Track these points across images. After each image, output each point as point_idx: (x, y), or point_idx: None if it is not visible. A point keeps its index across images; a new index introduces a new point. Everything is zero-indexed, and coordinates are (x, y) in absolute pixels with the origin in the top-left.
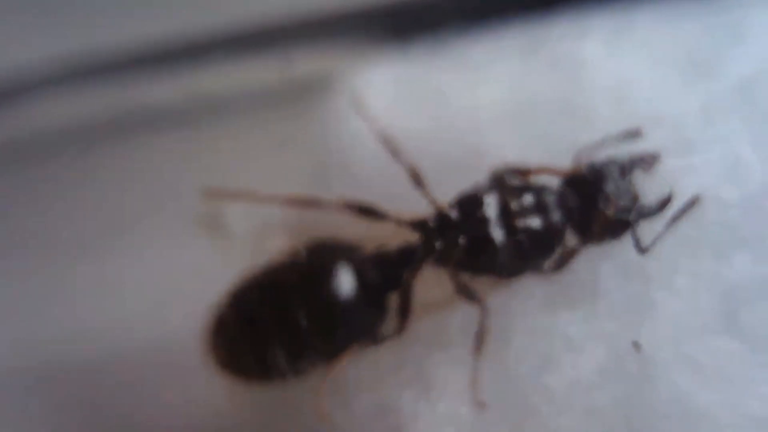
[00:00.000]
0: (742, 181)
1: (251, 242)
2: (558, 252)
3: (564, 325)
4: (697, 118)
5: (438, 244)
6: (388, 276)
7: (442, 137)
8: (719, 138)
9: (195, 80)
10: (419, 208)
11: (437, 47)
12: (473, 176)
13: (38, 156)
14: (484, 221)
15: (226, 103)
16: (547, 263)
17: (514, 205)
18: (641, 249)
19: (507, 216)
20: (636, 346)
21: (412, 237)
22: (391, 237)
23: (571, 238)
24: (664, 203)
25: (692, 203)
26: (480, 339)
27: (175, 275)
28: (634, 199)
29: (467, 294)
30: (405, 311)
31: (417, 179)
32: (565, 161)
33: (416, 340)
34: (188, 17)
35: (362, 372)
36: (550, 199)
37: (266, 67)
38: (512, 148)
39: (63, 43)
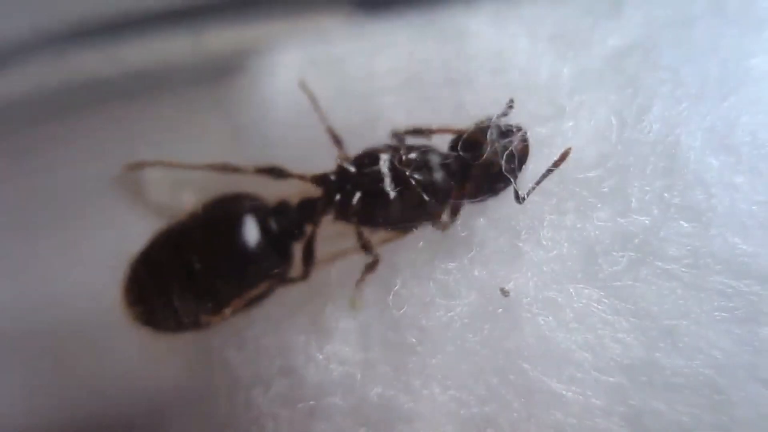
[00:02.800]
0: (604, 143)
1: (165, 201)
2: (443, 208)
3: (441, 274)
4: (567, 86)
5: (337, 197)
6: (290, 226)
7: (344, 104)
8: (586, 105)
9: (124, 54)
10: (322, 167)
11: (338, 24)
12: (370, 138)
13: None
14: (378, 176)
15: (153, 76)
16: (433, 219)
17: (405, 162)
18: (519, 198)
19: (399, 172)
20: (504, 292)
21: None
22: (298, 194)
23: (454, 196)
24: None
25: (563, 157)
26: (367, 269)
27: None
28: (509, 158)
29: (364, 244)
30: (308, 259)
31: (336, 140)
32: (450, 123)
33: (310, 289)
34: None
35: (260, 317)
36: (437, 160)
37: (186, 43)
38: (404, 112)
39: None
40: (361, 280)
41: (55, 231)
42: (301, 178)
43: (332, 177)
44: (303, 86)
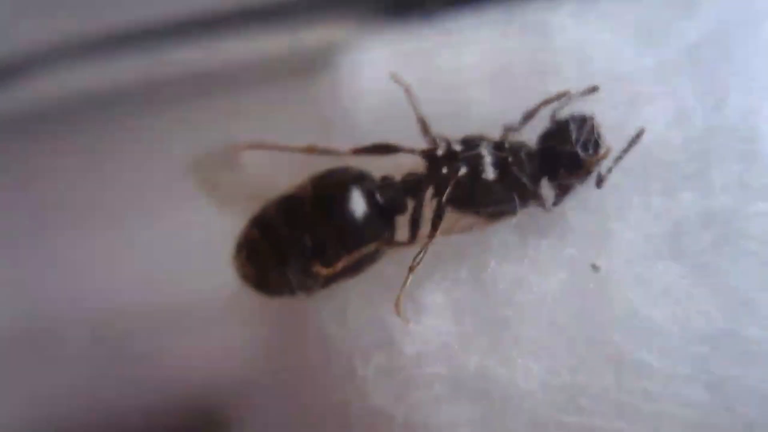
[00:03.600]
0: (686, 127)
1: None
2: (536, 194)
3: (533, 252)
4: (649, 76)
5: (442, 172)
6: (395, 199)
7: (430, 96)
8: (668, 92)
9: (207, 52)
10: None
11: (426, 20)
12: (458, 129)
13: (55, 125)
14: (480, 159)
15: (238, 73)
16: (529, 205)
17: (503, 153)
18: (600, 182)
19: (499, 159)
20: (594, 268)
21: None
22: (399, 169)
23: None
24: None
25: (637, 138)
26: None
27: (188, 238)
28: (595, 145)
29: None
30: (415, 226)
31: (425, 127)
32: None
33: (405, 268)
34: None
35: (358, 293)
36: (529, 152)
37: (275, 39)
38: (491, 103)
39: (78, 17)
40: (403, 285)
41: (150, 220)
42: (410, 151)
43: (439, 152)
44: (396, 78)
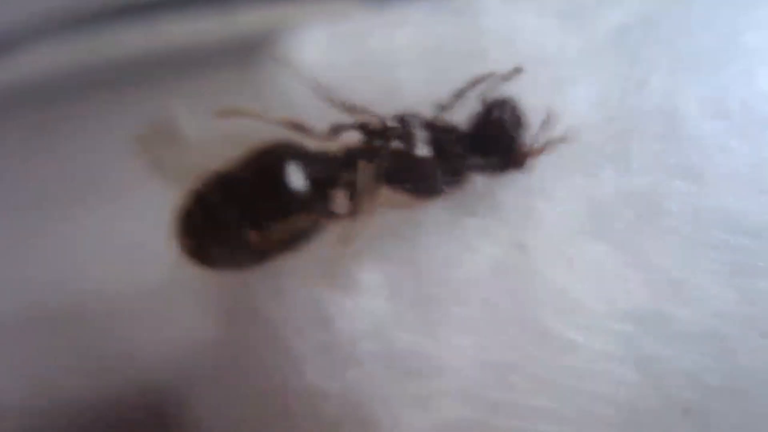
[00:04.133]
0: (608, 108)
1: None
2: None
3: (465, 231)
4: (573, 59)
5: (375, 144)
6: (331, 172)
7: (365, 75)
8: (591, 75)
9: (149, 34)
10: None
11: (359, 5)
12: (390, 106)
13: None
14: (414, 135)
15: (179, 55)
16: (454, 186)
17: (436, 132)
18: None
19: (434, 136)
20: (521, 247)
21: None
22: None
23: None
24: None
25: (548, 119)
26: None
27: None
28: (509, 132)
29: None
30: (356, 199)
31: (352, 109)
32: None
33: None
34: None
35: (296, 272)
36: (460, 134)
37: (215, 21)
38: (422, 83)
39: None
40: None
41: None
42: (349, 126)
43: (374, 125)
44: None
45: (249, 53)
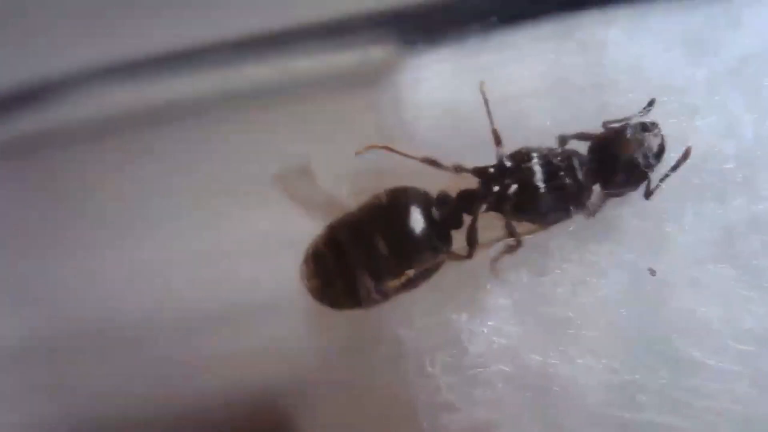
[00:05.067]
0: (737, 137)
1: (329, 196)
2: (588, 204)
3: (592, 256)
4: (701, 88)
5: (494, 189)
6: (451, 215)
7: (492, 108)
8: (719, 104)
9: (274, 67)
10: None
11: (484, 36)
12: (515, 139)
13: (112, 136)
14: (531, 172)
15: (304, 88)
16: (579, 212)
17: (554, 163)
18: (648, 194)
19: (549, 171)
20: (651, 271)
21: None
22: (454, 187)
23: (597, 193)
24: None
25: (685, 156)
26: (504, 250)
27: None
28: (647, 154)
29: (511, 232)
30: (472, 241)
31: (497, 139)
32: (591, 123)
33: (471, 272)
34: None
35: (426, 297)
36: (580, 161)
37: (340, 55)
38: (548, 115)
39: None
40: (496, 258)
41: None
42: (466, 171)
43: (491, 170)
44: (482, 88)
45: (374, 86)
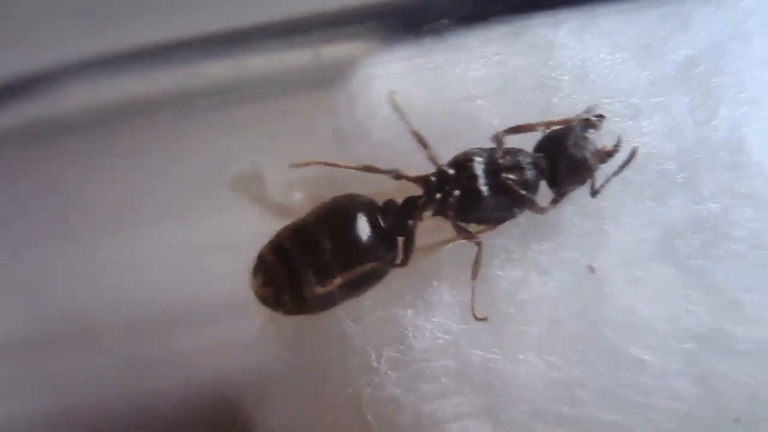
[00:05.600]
0: (679, 138)
1: (283, 200)
2: (535, 202)
3: (534, 255)
4: (645, 90)
5: (437, 197)
6: (396, 222)
7: (440, 107)
8: (662, 106)
9: (233, 66)
10: (422, 167)
11: (437, 36)
12: (467, 137)
13: (90, 135)
14: (474, 176)
15: (261, 86)
16: (526, 210)
17: (498, 164)
18: (594, 192)
19: (492, 173)
20: (591, 269)
21: (416, 191)
22: (398, 192)
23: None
24: (612, 154)
25: (632, 155)
26: (476, 267)
27: (215, 241)
28: (593, 153)
29: (465, 234)
30: (408, 249)
31: (422, 143)
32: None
33: (418, 272)
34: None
35: (373, 294)
36: (526, 159)
37: (296, 54)
38: (497, 115)
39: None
40: (476, 264)
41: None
42: (408, 179)
43: (432, 178)
44: (390, 99)
45: (327, 84)
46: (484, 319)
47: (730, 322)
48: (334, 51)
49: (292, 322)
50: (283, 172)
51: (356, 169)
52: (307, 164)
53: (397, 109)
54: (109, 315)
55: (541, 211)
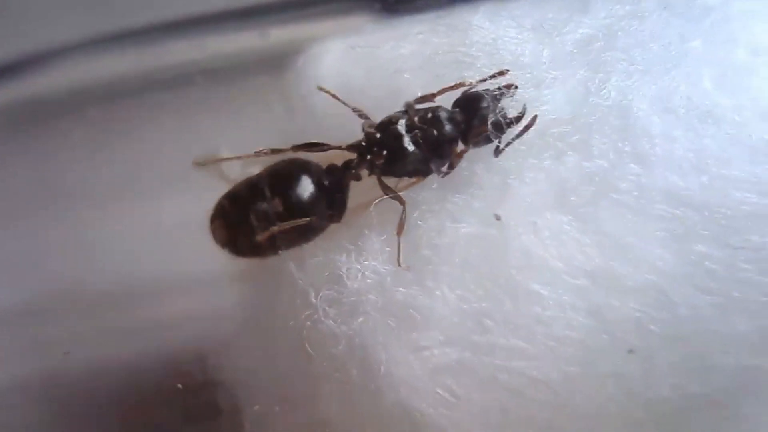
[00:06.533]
0: (574, 106)
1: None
2: (450, 156)
3: (450, 206)
4: (547, 65)
5: (368, 158)
6: (336, 182)
7: (374, 81)
8: (561, 78)
9: (192, 48)
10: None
11: (370, 21)
12: (396, 106)
13: (64, 115)
14: (398, 137)
15: (219, 66)
16: (443, 165)
17: (418, 122)
18: (497, 152)
19: (413, 131)
20: (497, 217)
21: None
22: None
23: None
24: (519, 120)
25: (532, 121)
26: (401, 222)
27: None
28: (501, 116)
29: (389, 191)
30: (341, 205)
31: (361, 114)
32: (453, 94)
33: (352, 224)
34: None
35: (315, 243)
36: (444, 116)
37: (249, 37)
38: (420, 86)
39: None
40: (401, 221)
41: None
42: (339, 148)
43: (363, 143)
44: (322, 88)
45: (278, 64)
46: (407, 268)
47: (618, 262)
48: (282, 34)
49: (249, 279)
50: (243, 148)
51: (295, 150)
52: (208, 161)
53: (332, 95)
54: (94, 285)
55: (452, 167)
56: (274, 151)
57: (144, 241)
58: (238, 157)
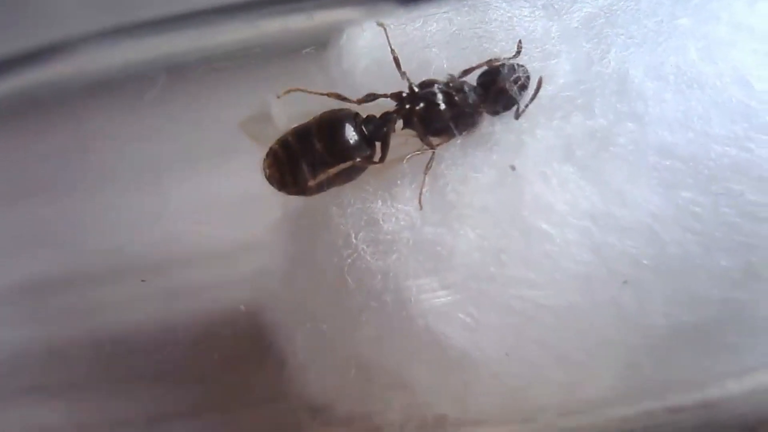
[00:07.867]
0: (579, 73)
1: None
2: (477, 119)
3: (471, 159)
4: (555, 39)
5: (407, 108)
6: (375, 129)
7: (405, 54)
8: (567, 50)
9: (242, 29)
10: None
11: (402, 4)
12: (424, 76)
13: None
14: (434, 94)
15: (266, 47)
16: (468, 127)
17: (450, 87)
18: (517, 115)
19: (446, 93)
20: (512, 168)
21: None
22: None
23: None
24: (537, 88)
25: (539, 84)
26: (428, 165)
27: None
28: (520, 86)
29: (426, 141)
30: (385, 149)
31: (399, 68)
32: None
33: (387, 174)
34: None
35: (353, 192)
36: (471, 87)
37: (295, 19)
38: (445, 60)
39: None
40: (428, 164)
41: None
42: (384, 96)
43: (404, 94)
44: (380, 24)
45: (323, 43)
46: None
47: (615, 206)
48: (325, 16)
49: (297, 226)
50: (287, 108)
51: (330, 96)
52: (289, 92)
53: (393, 53)
54: (135, 255)
55: (476, 129)
56: (340, 97)
57: (193, 210)
58: (317, 92)
